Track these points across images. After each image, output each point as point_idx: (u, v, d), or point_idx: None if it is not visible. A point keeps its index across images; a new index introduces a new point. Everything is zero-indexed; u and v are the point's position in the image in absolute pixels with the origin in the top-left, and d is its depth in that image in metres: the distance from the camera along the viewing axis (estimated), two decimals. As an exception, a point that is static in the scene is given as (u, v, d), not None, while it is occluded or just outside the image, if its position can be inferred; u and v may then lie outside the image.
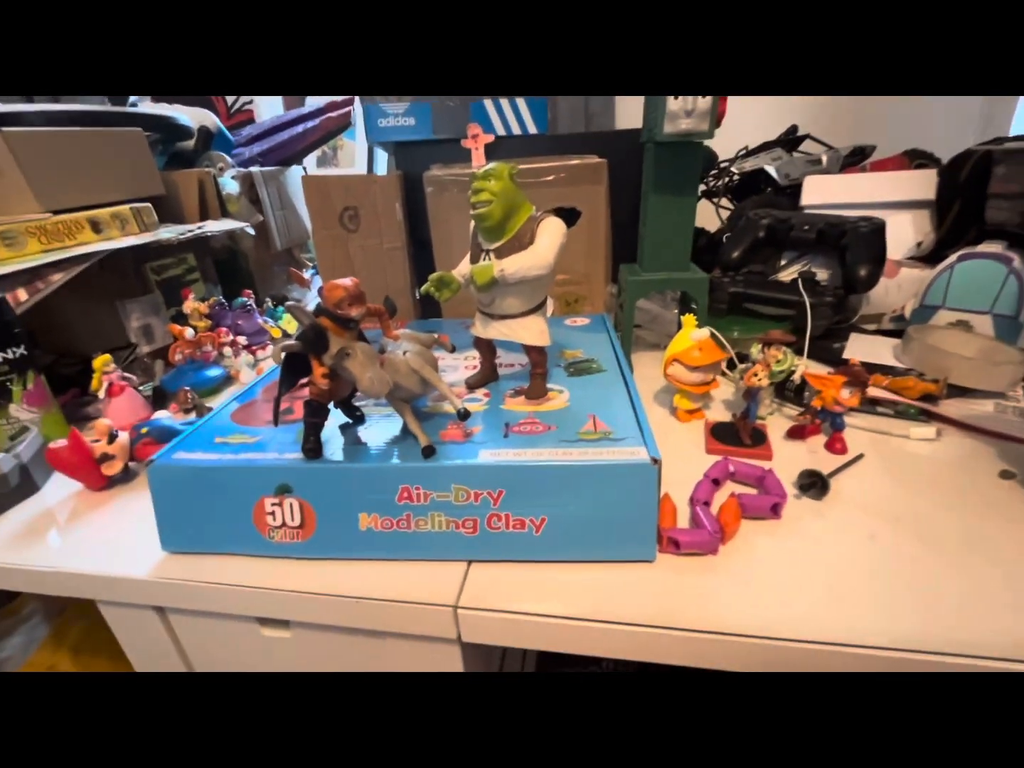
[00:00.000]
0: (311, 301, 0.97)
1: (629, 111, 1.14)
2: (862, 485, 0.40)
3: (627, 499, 0.32)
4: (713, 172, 0.88)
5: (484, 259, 0.38)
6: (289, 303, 0.32)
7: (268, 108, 1.43)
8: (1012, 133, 0.80)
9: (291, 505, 0.35)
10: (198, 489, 0.35)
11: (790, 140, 0.90)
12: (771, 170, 0.84)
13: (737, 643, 0.29)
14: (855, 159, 0.85)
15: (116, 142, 0.69)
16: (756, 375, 0.43)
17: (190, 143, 0.88)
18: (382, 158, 1.26)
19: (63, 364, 0.66)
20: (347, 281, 0.32)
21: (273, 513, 0.35)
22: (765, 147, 0.90)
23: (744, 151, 0.90)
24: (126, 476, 0.47)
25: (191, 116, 0.88)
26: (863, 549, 0.34)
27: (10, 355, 0.48)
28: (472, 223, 0.41)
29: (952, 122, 0.93)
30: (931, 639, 0.27)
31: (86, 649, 0.65)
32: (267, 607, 0.36)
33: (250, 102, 1.44)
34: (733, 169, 0.88)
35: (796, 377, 0.47)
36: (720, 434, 0.46)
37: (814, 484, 0.38)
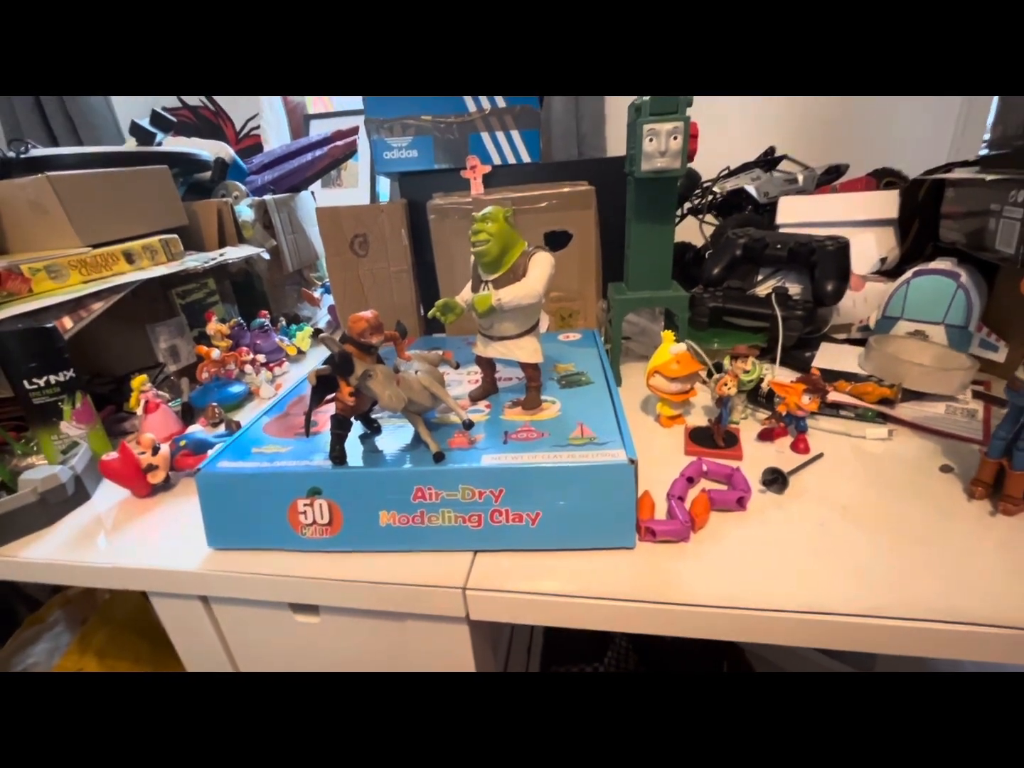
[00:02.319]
0: (321, 318, 1.03)
1: (619, 133, 1.20)
2: (819, 480, 0.46)
3: (609, 494, 0.38)
4: (697, 192, 0.94)
5: (484, 289, 0.44)
6: (322, 335, 0.37)
7: (274, 132, 1.50)
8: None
9: (321, 505, 0.40)
10: (240, 493, 0.41)
11: (768, 160, 0.96)
12: (751, 189, 0.90)
13: (705, 613, 0.34)
14: (830, 177, 0.91)
15: (145, 179, 0.75)
16: (726, 384, 0.49)
17: (207, 174, 0.94)
18: (384, 180, 1.33)
19: (98, 384, 0.72)
20: (368, 314, 0.37)
21: (305, 512, 0.40)
22: (745, 167, 0.96)
23: (725, 171, 0.96)
24: (167, 484, 0.52)
25: (208, 148, 0.95)
26: (814, 534, 0.40)
27: (61, 378, 0.54)
28: (472, 257, 0.47)
29: (925, 138, 0.99)
30: (865, 606, 0.33)
31: (110, 654, 0.69)
32: (298, 593, 0.41)
33: (257, 127, 1.51)
34: (715, 189, 0.94)
35: (764, 385, 0.52)
36: (697, 437, 0.51)
37: (775, 480, 0.44)
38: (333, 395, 0.40)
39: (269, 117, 1.53)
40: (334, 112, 1.67)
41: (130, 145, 0.85)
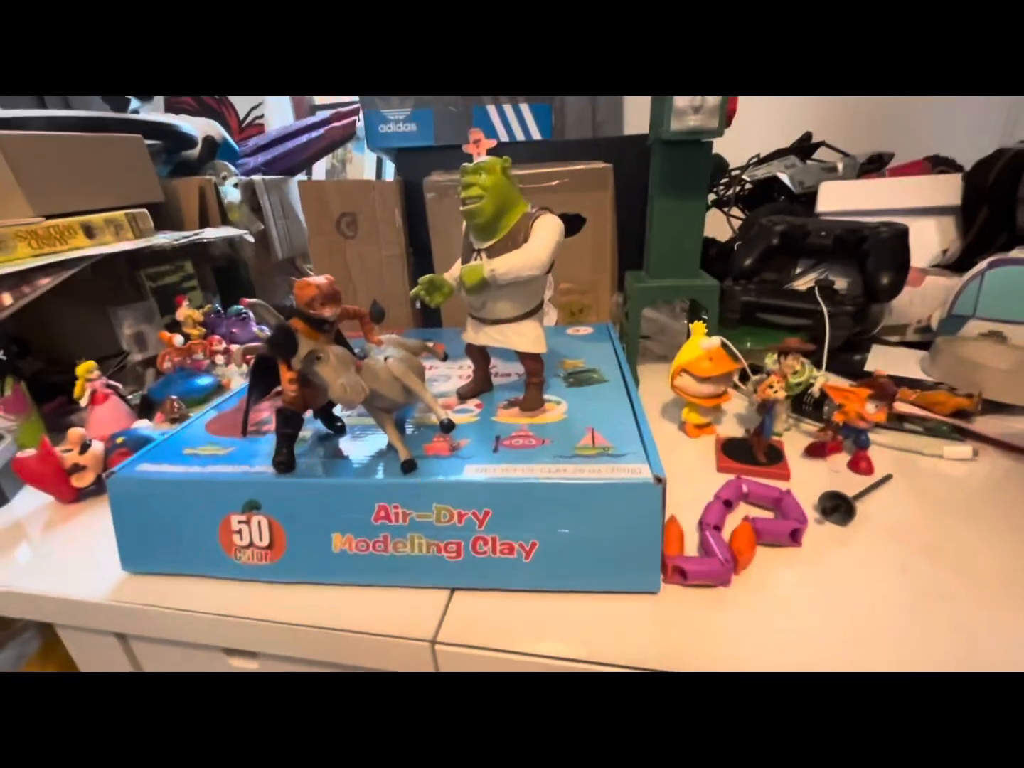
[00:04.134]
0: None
1: (637, 119, 1.12)
2: (891, 509, 0.36)
3: (628, 522, 0.29)
4: (724, 180, 0.85)
5: (475, 259, 0.36)
6: (252, 301, 0.29)
7: (278, 121, 1.44)
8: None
9: (259, 523, 0.32)
10: (161, 504, 0.33)
11: (804, 147, 0.87)
12: (784, 178, 0.81)
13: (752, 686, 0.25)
14: (872, 166, 0.81)
15: (114, 148, 0.68)
16: (772, 387, 0.40)
17: (195, 152, 0.87)
18: (392, 170, 1.26)
19: (52, 371, 0.64)
20: (320, 279, 0.29)
21: (240, 531, 0.32)
22: (778, 155, 0.87)
23: (756, 159, 0.88)
24: (99, 489, 0.44)
25: (196, 126, 0.88)
26: (895, 583, 0.30)
27: (-12, 360, 0.47)
28: (464, 223, 0.38)
29: (973, 128, 0.90)
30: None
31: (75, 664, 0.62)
32: (233, 637, 0.33)
33: (261, 117, 1.45)
34: (745, 177, 0.86)
35: (815, 390, 0.43)
36: (732, 451, 0.42)
37: (838, 508, 0.35)
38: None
39: (274, 107, 1.47)
40: (340, 103, 1.62)
41: (106, 112, 0.78)
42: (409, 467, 0.31)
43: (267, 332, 0.75)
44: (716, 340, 0.44)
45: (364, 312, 0.34)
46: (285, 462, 0.32)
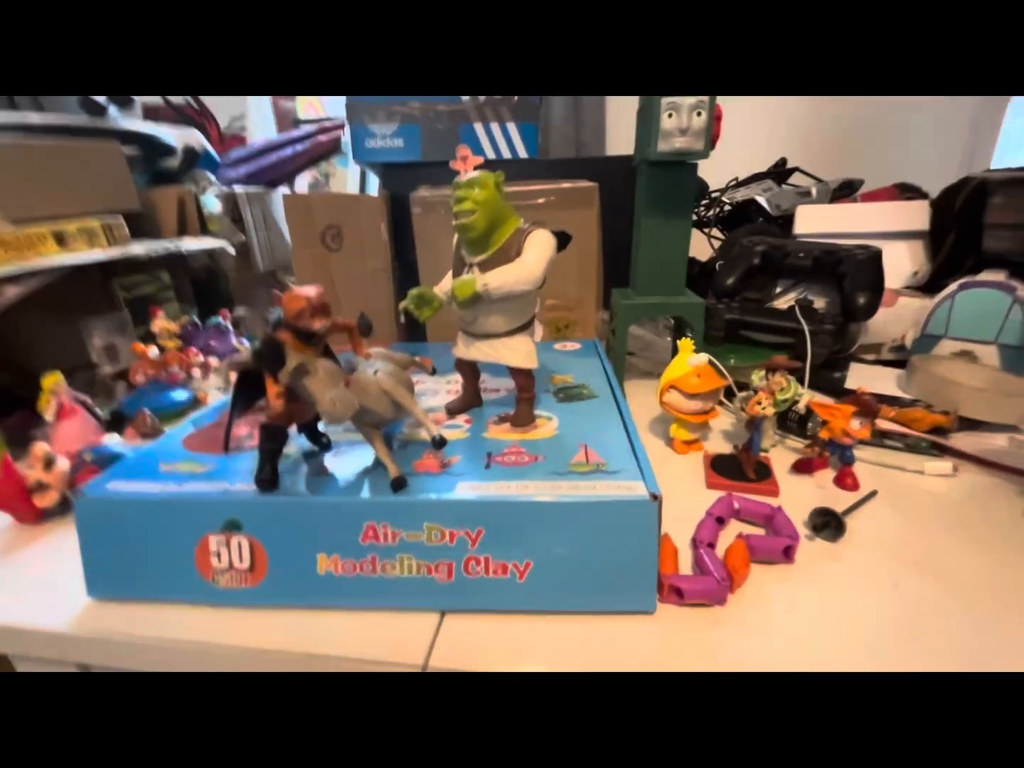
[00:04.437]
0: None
1: (620, 140, 1.15)
2: (879, 525, 0.37)
3: (623, 541, 0.29)
4: (704, 202, 0.88)
5: (466, 273, 0.36)
6: (239, 310, 0.28)
7: (262, 135, 1.43)
8: (993, 167, 0.81)
9: (240, 544, 0.30)
10: (133, 525, 0.31)
11: (780, 172, 0.91)
12: (762, 201, 0.84)
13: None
14: (844, 192, 0.85)
15: (89, 154, 0.66)
16: (760, 403, 0.40)
17: (174, 162, 0.86)
18: (375, 186, 1.25)
19: (16, 384, 0.61)
20: (310, 290, 0.28)
21: (219, 553, 0.31)
22: (755, 178, 0.90)
23: (734, 182, 0.90)
24: (63, 509, 0.41)
25: (176, 136, 0.87)
26: (888, 597, 0.30)
27: (-55, 372, 0.44)
28: (456, 236, 0.38)
29: (937, 156, 0.95)
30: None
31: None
32: (209, 666, 0.31)
33: (243, 128, 1.44)
34: (724, 199, 0.88)
35: (800, 406, 0.44)
36: (721, 467, 0.42)
37: (828, 524, 0.35)
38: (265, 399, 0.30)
39: (257, 119, 1.46)
40: (326, 119, 1.62)
41: (83, 118, 0.76)
42: (399, 484, 0.30)
43: (247, 345, 0.73)
44: (704, 357, 0.44)
45: (353, 325, 0.33)
46: (268, 479, 0.30)
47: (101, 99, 0.73)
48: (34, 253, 0.57)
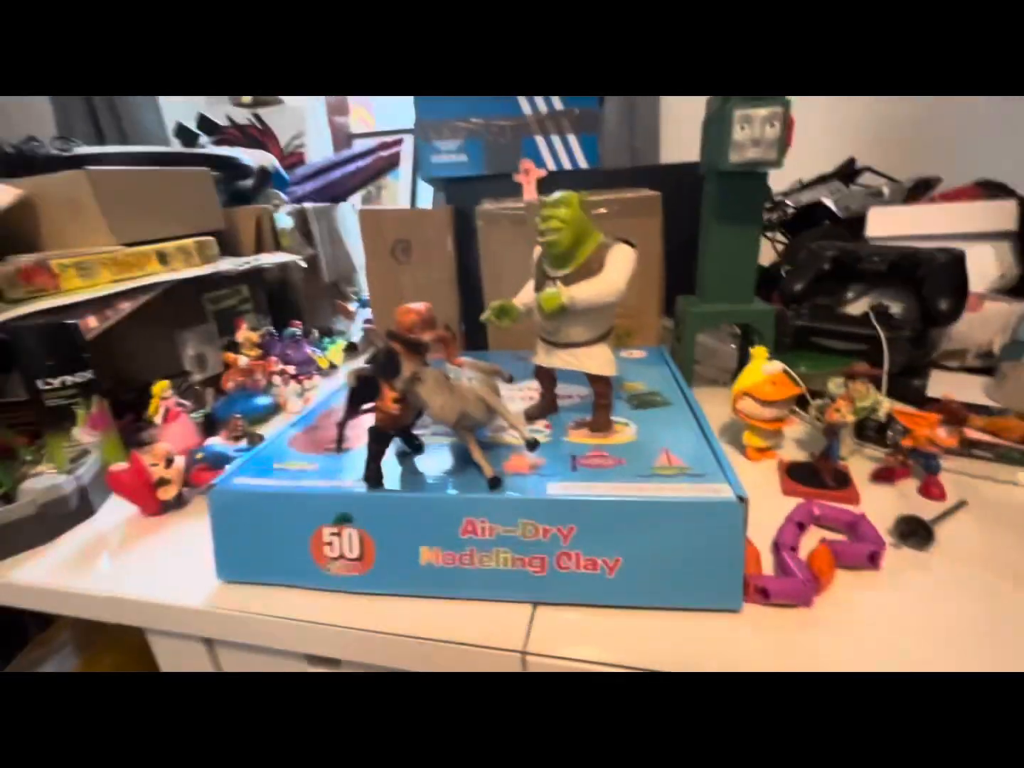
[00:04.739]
0: (355, 332, 0.99)
1: (673, 146, 1.16)
2: (969, 535, 0.37)
3: (710, 541, 0.31)
4: (768, 205, 0.88)
5: (549, 286, 0.39)
6: (367, 326, 0.32)
7: (318, 151, 1.53)
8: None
9: (350, 536, 0.34)
10: (257, 516, 0.35)
11: (848, 173, 0.90)
12: (829, 203, 0.83)
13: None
14: (919, 191, 0.83)
15: (185, 181, 0.74)
16: (839, 410, 0.41)
17: (250, 182, 0.94)
18: (426, 198, 1.32)
19: (121, 390, 0.69)
20: (419, 305, 0.32)
21: (331, 543, 0.35)
22: (822, 180, 0.90)
23: (799, 184, 0.90)
24: (179, 502, 0.47)
25: (251, 157, 0.95)
26: (982, 608, 0.31)
27: (79, 379, 0.51)
28: (536, 250, 0.41)
29: (1021, 152, 0.91)
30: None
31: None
32: (318, 644, 0.35)
33: (302, 145, 1.54)
34: (788, 202, 0.88)
35: (880, 414, 0.44)
36: (797, 475, 0.44)
37: (915, 532, 0.36)
38: (373, 403, 0.34)
39: (314, 135, 1.56)
40: (376, 132, 1.71)
41: (174, 147, 0.85)
42: (495, 483, 0.33)
43: (319, 353, 0.79)
44: (778, 365, 0.45)
45: (449, 336, 0.36)
46: (375, 477, 0.34)
47: (192, 127, 0.81)
48: (141, 271, 0.64)
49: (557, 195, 0.38)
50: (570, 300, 0.36)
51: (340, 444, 0.36)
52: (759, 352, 0.46)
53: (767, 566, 0.35)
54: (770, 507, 0.40)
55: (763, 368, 0.45)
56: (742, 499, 0.30)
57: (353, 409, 0.35)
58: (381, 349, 0.31)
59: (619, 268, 0.37)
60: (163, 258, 0.66)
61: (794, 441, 0.52)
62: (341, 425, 0.36)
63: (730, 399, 0.48)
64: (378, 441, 0.35)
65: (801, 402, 0.50)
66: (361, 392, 0.34)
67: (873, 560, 0.34)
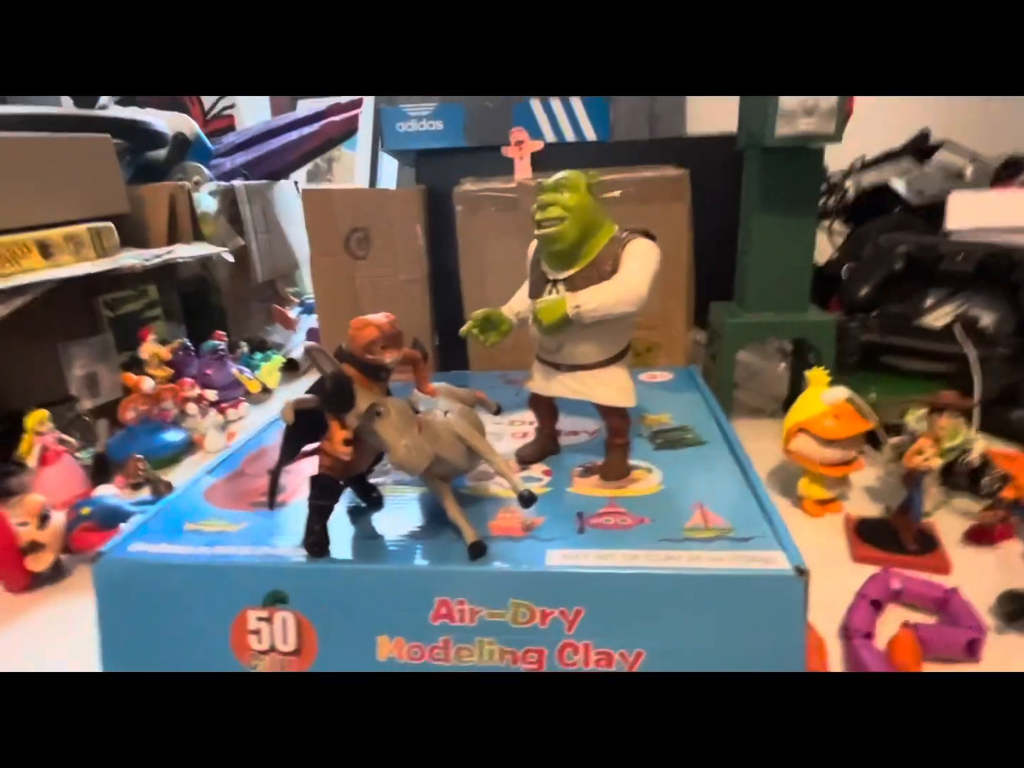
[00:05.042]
0: (296, 346, 0.99)
1: (704, 113, 1.19)
2: (1093, 615, 0.37)
3: (760, 628, 0.30)
4: (823, 188, 0.90)
5: (550, 292, 0.39)
6: (308, 344, 0.32)
7: (252, 113, 1.55)
8: None
9: (284, 621, 0.33)
10: (159, 595, 0.34)
11: (921, 148, 0.92)
12: (899, 186, 0.85)
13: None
14: (1010, 172, 0.86)
15: (77, 151, 0.74)
16: (921, 452, 0.41)
17: (162, 152, 0.94)
18: (389, 173, 1.33)
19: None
20: (380, 317, 0.32)
21: (259, 632, 0.33)
22: (889, 157, 0.92)
23: (861, 162, 0.92)
24: (56, 573, 0.46)
25: (165, 121, 0.96)
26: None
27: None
28: (532, 246, 0.41)
29: None
30: None
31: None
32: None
33: (231, 106, 1.56)
34: (848, 185, 0.90)
35: (974, 456, 0.44)
36: (870, 535, 0.44)
37: (1024, 612, 0.35)
38: (317, 444, 0.34)
39: (247, 98, 1.57)
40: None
41: (67, 108, 0.85)
42: (478, 551, 0.32)
43: (248, 375, 0.78)
44: (842, 392, 0.46)
45: (418, 356, 0.36)
46: (319, 542, 0.33)
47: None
48: (16, 267, 0.64)
49: (559, 176, 0.38)
50: (576, 310, 0.36)
51: (273, 497, 0.35)
52: (818, 376, 0.47)
53: (834, 660, 0.34)
54: (835, 579, 0.39)
55: (823, 396, 0.46)
56: (801, 571, 0.30)
57: (290, 451, 0.34)
58: (329, 374, 0.30)
59: (639, 268, 0.37)
60: (45, 250, 0.66)
61: (864, 491, 0.52)
62: (275, 472, 0.35)
63: (780, 436, 0.48)
64: (323, 494, 0.34)
65: (872, 440, 0.50)
66: (301, 429, 0.33)
67: (972, 650, 0.33)
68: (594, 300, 0.36)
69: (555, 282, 0.39)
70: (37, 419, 0.56)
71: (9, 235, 0.64)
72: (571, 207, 0.36)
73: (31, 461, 0.55)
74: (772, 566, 0.30)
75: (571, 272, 0.38)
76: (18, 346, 0.68)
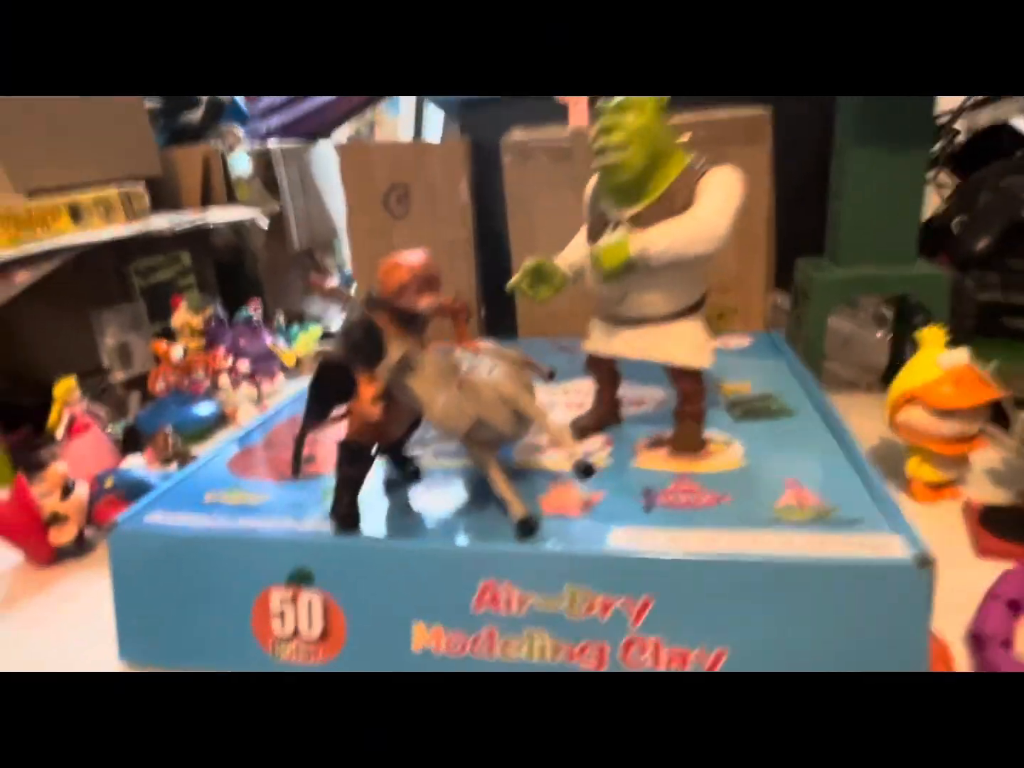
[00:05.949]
0: (335, 318, 0.98)
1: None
2: None
3: (872, 628, 0.27)
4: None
5: (611, 232, 0.35)
6: (329, 287, 0.30)
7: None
8: None
9: (310, 603, 0.32)
10: (176, 570, 0.34)
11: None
12: (1020, 124, 0.79)
13: None
14: None
15: (109, 111, 0.75)
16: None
17: (197, 113, 0.95)
18: (434, 130, 1.31)
19: (19, 392, 0.69)
20: (413, 257, 0.29)
21: (282, 615, 0.32)
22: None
23: (973, 99, 0.86)
24: (79, 548, 0.46)
25: (200, 81, 0.96)
26: None
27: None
28: (591, 184, 0.38)
29: None
30: None
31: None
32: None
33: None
34: (957, 126, 0.84)
35: None
36: (998, 524, 0.40)
37: None
38: (349, 405, 0.32)
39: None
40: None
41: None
42: (528, 529, 0.30)
43: (283, 346, 0.78)
44: (963, 355, 0.41)
45: (460, 306, 0.34)
46: (348, 515, 0.32)
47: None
48: (47, 231, 0.64)
49: (622, 99, 0.34)
50: (642, 251, 0.33)
51: (298, 465, 0.33)
52: (933, 335, 0.42)
53: (961, 666, 0.31)
54: (956, 576, 0.35)
55: (940, 360, 0.41)
56: (926, 560, 0.26)
57: (317, 413, 0.32)
58: (355, 322, 0.28)
59: (718, 200, 0.33)
60: (76, 213, 0.67)
61: (986, 473, 0.48)
62: (300, 437, 0.33)
63: (878, 413, 0.45)
64: (352, 462, 0.32)
65: (997, 414, 0.45)
66: (329, 390, 0.31)
67: None
68: (664, 239, 0.33)
69: (617, 223, 0.35)
70: (65, 388, 0.56)
71: (40, 198, 0.65)
72: (635, 130, 0.33)
73: (59, 432, 0.56)
74: (887, 553, 0.27)
75: (637, 209, 0.35)
76: (50, 314, 0.69)
